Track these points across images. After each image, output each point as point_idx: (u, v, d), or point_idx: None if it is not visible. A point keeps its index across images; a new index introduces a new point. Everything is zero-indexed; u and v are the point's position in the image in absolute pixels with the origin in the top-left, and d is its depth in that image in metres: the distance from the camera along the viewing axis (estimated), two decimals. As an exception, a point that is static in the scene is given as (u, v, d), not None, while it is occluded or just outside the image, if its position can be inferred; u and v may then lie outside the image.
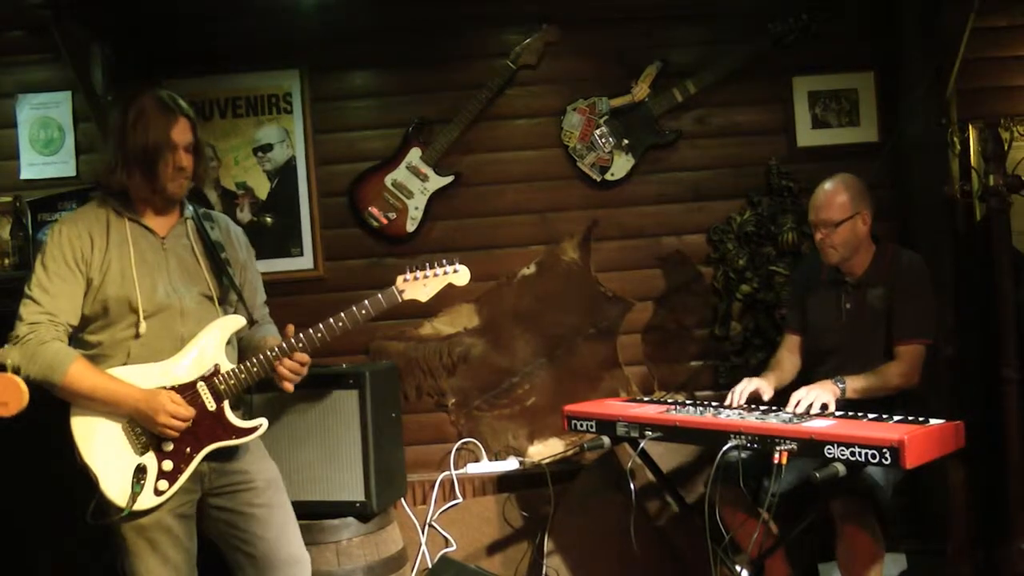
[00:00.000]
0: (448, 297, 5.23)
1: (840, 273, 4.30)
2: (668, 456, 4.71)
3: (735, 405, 4.10)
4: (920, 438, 3.25)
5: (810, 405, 3.85)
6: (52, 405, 3.28)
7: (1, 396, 3.13)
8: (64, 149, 5.39)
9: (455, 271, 3.64)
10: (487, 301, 5.50)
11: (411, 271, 3.60)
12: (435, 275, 3.61)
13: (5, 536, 4.45)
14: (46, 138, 5.39)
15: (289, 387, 3.48)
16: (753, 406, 4.04)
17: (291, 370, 3.44)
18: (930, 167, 5.15)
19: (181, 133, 3.39)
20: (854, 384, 4.00)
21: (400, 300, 3.59)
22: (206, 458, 3.38)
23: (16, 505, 4.43)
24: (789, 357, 4.51)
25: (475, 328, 5.51)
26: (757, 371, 4.69)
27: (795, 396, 3.93)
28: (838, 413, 3.75)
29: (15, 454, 4.29)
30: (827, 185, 4.26)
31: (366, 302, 3.54)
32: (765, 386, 4.21)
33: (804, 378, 4.26)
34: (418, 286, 3.60)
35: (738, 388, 4.18)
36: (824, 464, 3.34)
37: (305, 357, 3.47)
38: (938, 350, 4.78)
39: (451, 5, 5.44)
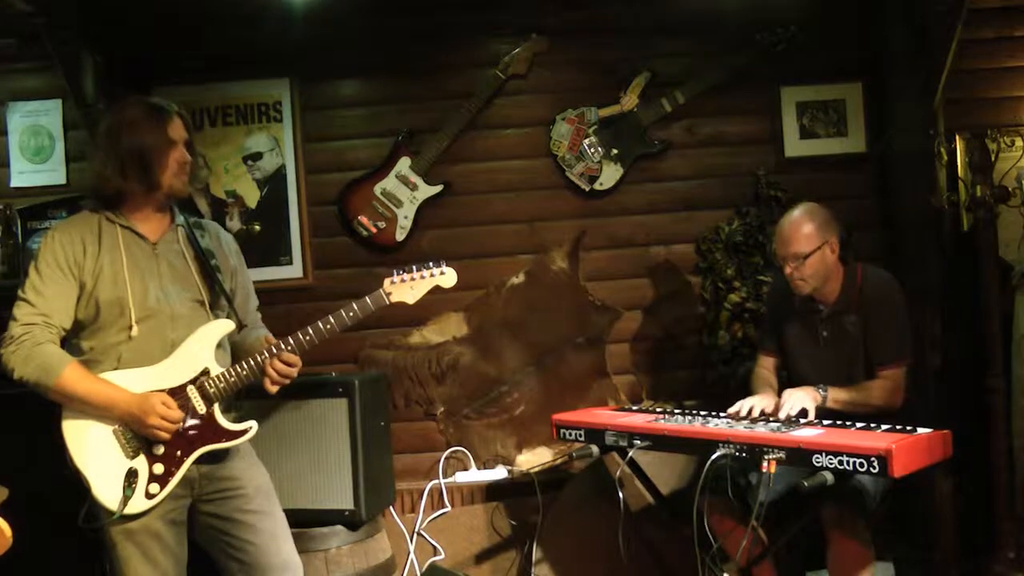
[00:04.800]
0: (437, 306, 5.26)
1: (813, 301, 4.26)
2: (657, 465, 4.71)
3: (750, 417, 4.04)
4: (908, 447, 3.25)
5: (791, 408, 3.88)
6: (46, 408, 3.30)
7: None
8: (54, 157, 5.39)
9: (442, 273, 3.64)
10: (476, 310, 5.51)
11: (398, 273, 3.61)
12: (422, 277, 3.62)
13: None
14: (36, 146, 5.39)
15: (273, 389, 3.48)
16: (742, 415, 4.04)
17: (279, 372, 3.45)
18: (917, 177, 5.17)
19: (177, 130, 3.44)
20: (836, 395, 4.01)
21: (387, 302, 3.59)
22: (196, 462, 3.38)
23: (11, 508, 4.41)
24: (769, 376, 4.51)
25: (464, 337, 5.52)
26: (745, 381, 4.70)
27: (783, 396, 3.98)
28: (826, 422, 3.76)
29: (8, 457, 4.29)
30: (791, 217, 4.20)
31: (354, 304, 3.54)
32: (772, 404, 4.15)
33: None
34: (405, 288, 3.60)
35: (751, 405, 4.12)
36: (812, 473, 3.34)
37: (295, 359, 3.48)
38: (925, 360, 4.81)
39: (441, 15, 5.46)
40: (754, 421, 3.88)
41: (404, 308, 3.65)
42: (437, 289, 3.66)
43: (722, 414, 4.09)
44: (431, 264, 3.64)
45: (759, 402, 4.11)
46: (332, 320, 3.52)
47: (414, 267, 3.62)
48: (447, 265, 3.66)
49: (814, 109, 5.46)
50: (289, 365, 3.46)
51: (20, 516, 3.19)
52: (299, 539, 3.81)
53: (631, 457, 4.10)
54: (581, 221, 5.50)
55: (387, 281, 3.61)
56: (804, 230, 4.12)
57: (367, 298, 3.57)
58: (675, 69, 5.46)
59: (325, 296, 5.40)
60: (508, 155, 5.53)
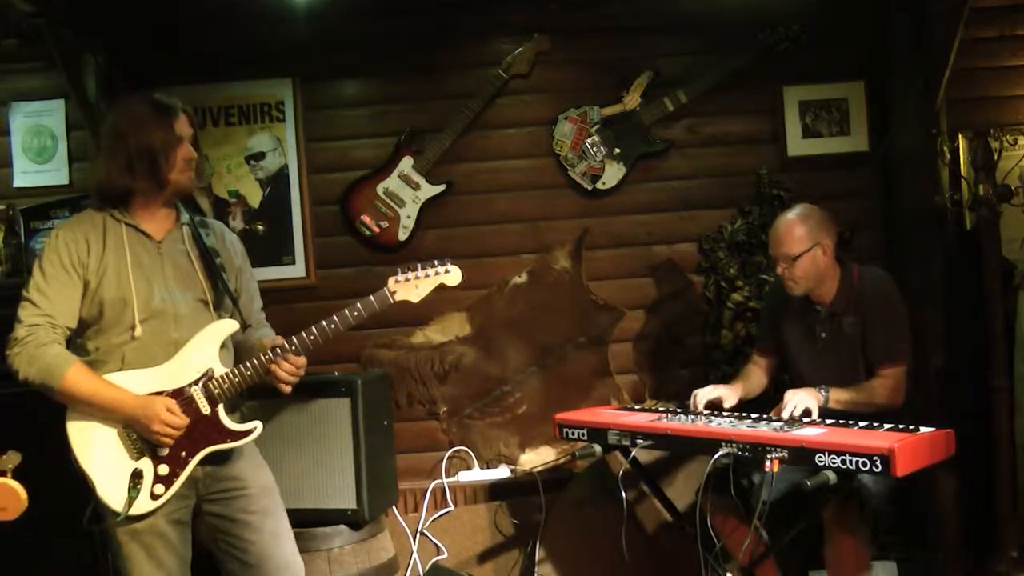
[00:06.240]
0: (439, 305, 5.27)
1: (811, 302, 4.29)
2: (659, 464, 4.72)
3: (695, 410, 4.17)
4: (911, 446, 3.25)
5: (794, 408, 3.88)
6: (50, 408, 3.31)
7: (1, 502, 3.11)
8: (57, 157, 5.40)
9: (446, 271, 3.63)
10: (478, 309, 5.51)
11: (402, 272, 3.60)
12: (426, 275, 3.61)
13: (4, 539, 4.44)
14: (39, 146, 5.39)
15: (286, 389, 3.49)
16: (745, 414, 4.04)
17: (288, 372, 3.45)
18: (920, 177, 5.17)
19: (183, 126, 3.45)
20: (837, 395, 4.01)
21: (392, 301, 3.59)
22: (201, 463, 3.38)
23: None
24: (757, 372, 4.53)
25: (466, 336, 5.52)
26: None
27: (785, 396, 3.98)
28: (829, 421, 3.76)
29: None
30: (785, 218, 4.24)
31: (358, 304, 3.54)
32: (729, 394, 4.27)
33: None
34: (409, 287, 3.60)
35: (701, 393, 4.24)
36: (815, 472, 3.34)
37: (302, 360, 3.48)
38: (928, 360, 4.80)
39: (443, 15, 5.46)
40: (757, 420, 3.88)
41: (407, 307, 3.64)
42: (442, 287, 3.66)
43: (724, 413, 4.10)
44: (436, 262, 3.63)
45: (708, 392, 4.26)
46: (336, 319, 3.52)
47: (419, 265, 3.62)
48: (451, 262, 3.66)
49: (816, 108, 5.46)
50: (296, 365, 3.47)
51: (21, 516, 3.20)
52: (302, 538, 3.82)
53: (634, 456, 4.11)
54: (584, 220, 5.50)
55: (391, 280, 3.60)
56: (796, 231, 4.14)
57: (372, 297, 3.57)
58: (677, 68, 5.46)
59: (328, 296, 5.39)
60: (511, 154, 5.53)
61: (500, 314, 5.52)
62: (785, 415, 3.88)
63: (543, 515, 5.04)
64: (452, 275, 3.65)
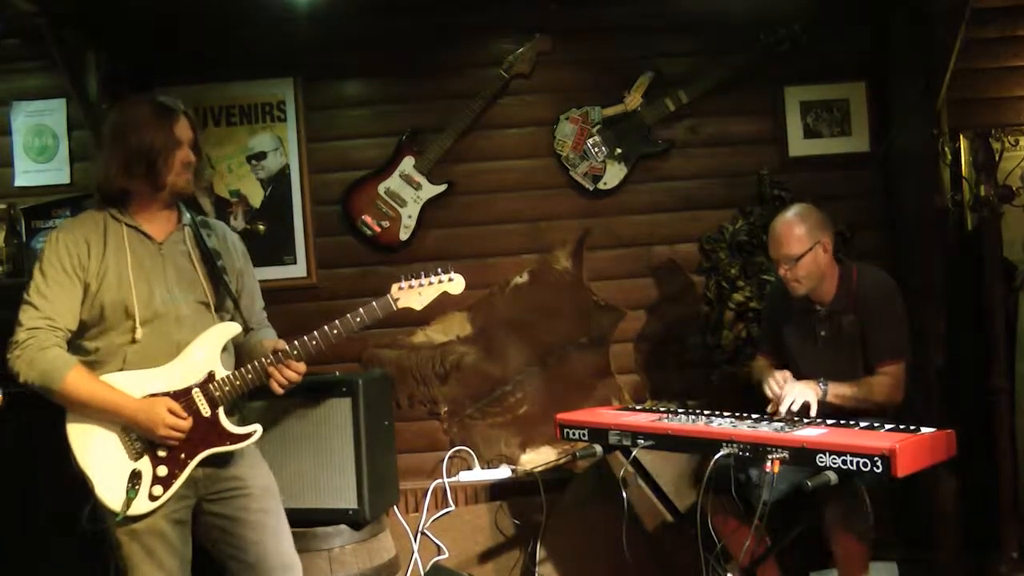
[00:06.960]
0: (441, 305, 5.19)
1: (811, 301, 4.28)
2: (660, 464, 4.71)
3: (782, 413, 3.96)
4: (911, 446, 3.25)
5: (792, 401, 3.89)
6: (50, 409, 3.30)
7: None
8: (58, 157, 5.40)
9: (450, 279, 3.64)
10: (480, 310, 5.51)
11: (406, 279, 3.60)
12: (430, 283, 3.61)
13: (4, 539, 4.45)
14: (40, 146, 5.40)
15: (279, 390, 3.48)
16: (746, 414, 4.04)
17: (288, 378, 3.45)
18: (921, 177, 5.17)
19: (183, 130, 3.44)
20: (836, 389, 4.01)
21: (395, 308, 3.58)
22: (200, 464, 3.38)
23: (15, 508, 4.42)
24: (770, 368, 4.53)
25: (468, 336, 5.52)
26: (747, 380, 4.71)
27: (785, 389, 3.97)
28: (830, 421, 3.76)
29: (14, 457, 4.30)
30: (783, 219, 4.22)
31: (361, 310, 3.54)
32: (813, 399, 4.02)
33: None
34: (413, 294, 3.60)
35: (790, 399, 3.97)
36: (816, 472, 3.34)
37: (301, 366, 3.48)
38: (929, 360, 4.80)
39: (444, 15, 5.46)
40: (757, 420, 3.87)
41: (409, 310, 3.64)
42: (445, 295, 3.66)
43: (725, 414, 4.08)
44: (439, 270, 3.62)
45: (800, 397, 3.97)
46: (339, 325, 3.51)
47: (422, 273, 3.61)
48: (454, 270, 3.65)
49: (818, 109, 5.46)
50: (296, 371, 3.47)
51: (21, 516, 3.21)
52: (303, 538, 3.81)
53: (635, 456, 4.10)
54: (585, 221, 5.50)
55: (395, 287, 3.60)
56: (796, 232, 4.13)
57: (375, 304, 3.56)
58: (679, 69, 5.46)
59: (329, 296, 5.42)
60: (512, 155, 5.53)
61: (501, 314, 5.52)
62: (783, 407, 3.89)
63: (544, 515, 5.03)
64: (456, 283, 3.65)
